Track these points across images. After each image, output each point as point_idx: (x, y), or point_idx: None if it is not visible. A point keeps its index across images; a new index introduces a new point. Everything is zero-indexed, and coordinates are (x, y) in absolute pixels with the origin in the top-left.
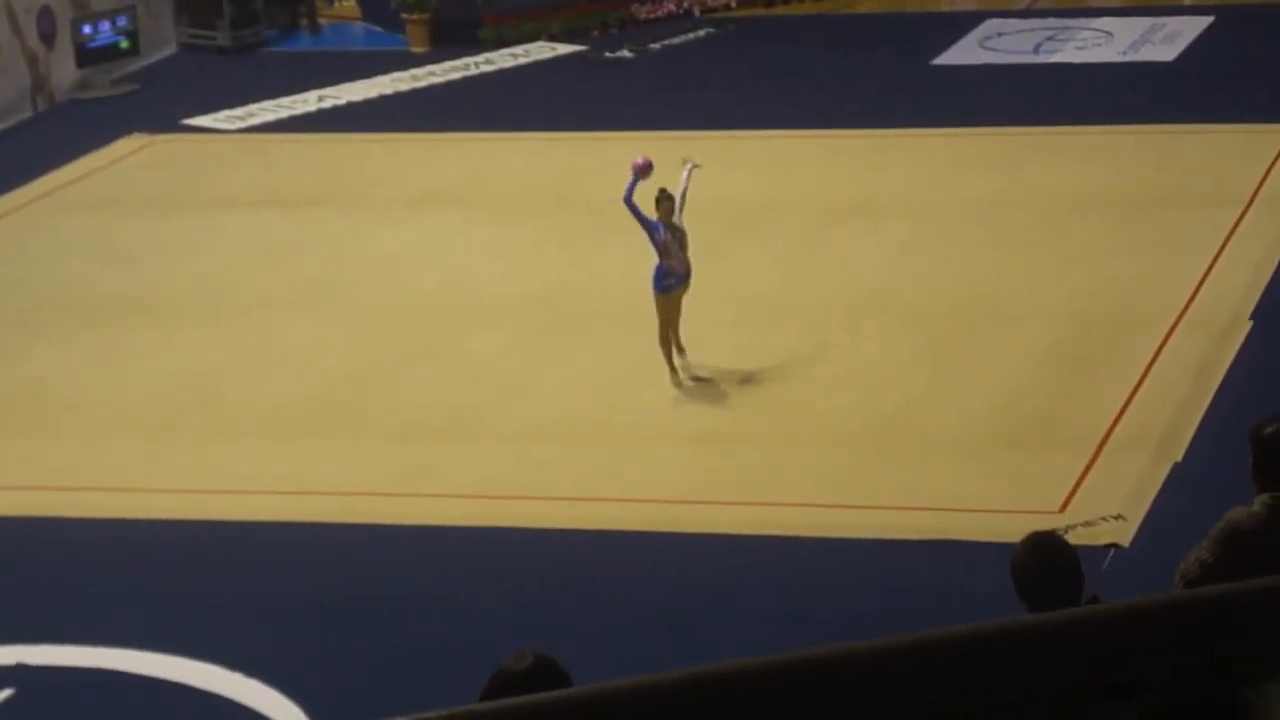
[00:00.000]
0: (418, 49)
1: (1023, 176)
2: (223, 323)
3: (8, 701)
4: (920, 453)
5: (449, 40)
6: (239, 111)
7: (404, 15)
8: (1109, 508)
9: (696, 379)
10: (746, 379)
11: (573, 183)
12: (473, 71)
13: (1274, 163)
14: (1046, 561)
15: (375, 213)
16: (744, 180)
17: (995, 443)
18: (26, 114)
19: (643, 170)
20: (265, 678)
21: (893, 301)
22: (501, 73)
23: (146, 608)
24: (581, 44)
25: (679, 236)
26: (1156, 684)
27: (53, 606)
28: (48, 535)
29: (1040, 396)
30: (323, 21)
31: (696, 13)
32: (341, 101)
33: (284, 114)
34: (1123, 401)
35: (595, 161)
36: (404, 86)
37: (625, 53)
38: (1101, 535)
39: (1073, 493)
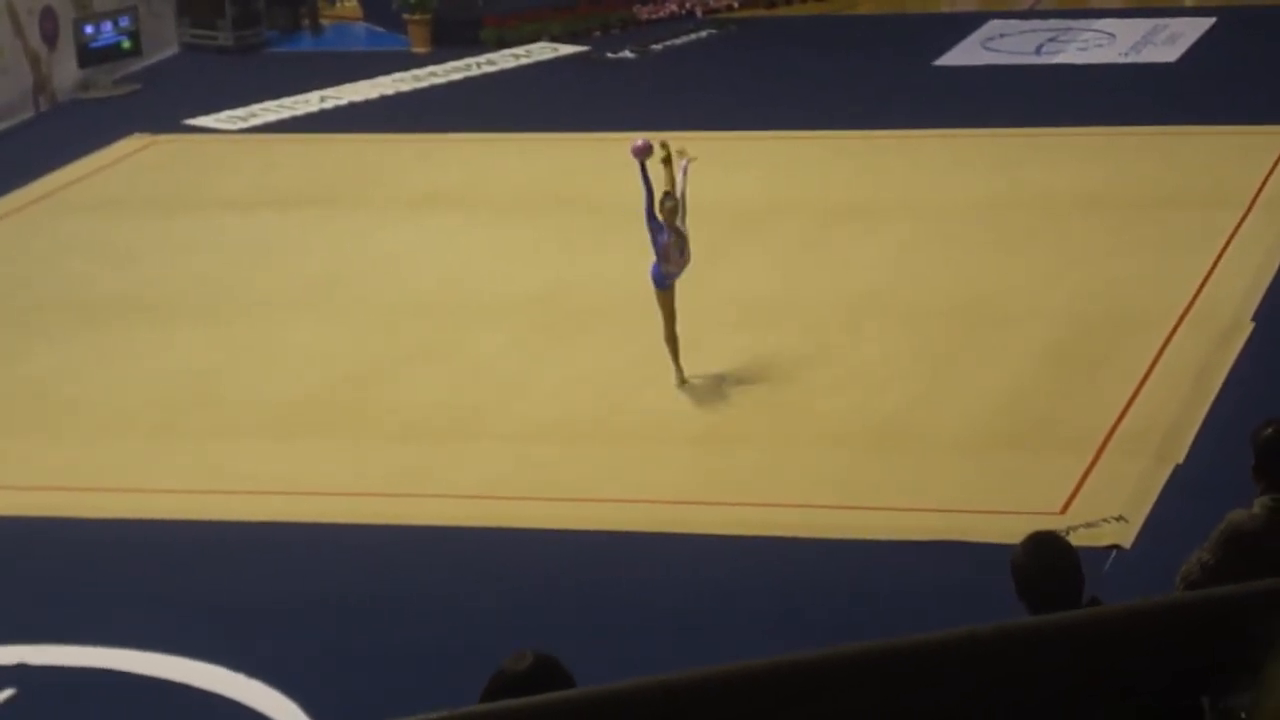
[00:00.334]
0: (419, 49)
1: (1024, 177)
2: (223, 322)
3: (9, 701)
4: (921, 454)
5: (450, 41)
6: (241, 112)
7: (405, 16)
8: (1110, 509)
9: (700, 379)
10: (747, 379)
11: (574, 183)
12: (474, 72)
13: (1276, 164)
14: (1047, 563)
15: (376, 212)
16: (745, 181)
17: (996, 444)
18: (28, 114)
19: (642, 151)
20: (267, 678)
21: (893, 302)
22: (503, 73)
23: (147, 608)
24: (583, 45)
25: (680, 242)
26: (1156, 686)
27: (54, 606)
28: (48, 535)
29: (1041, 398)
30: (324, 22)
31: (698, 14)
32: (343, 102)
33: (286, 114)
34: (1124, 403)
35: (596, 162)
36: (405, 87)
37: (627, 53)
38: (1103, 537)
39: (1074, 494)
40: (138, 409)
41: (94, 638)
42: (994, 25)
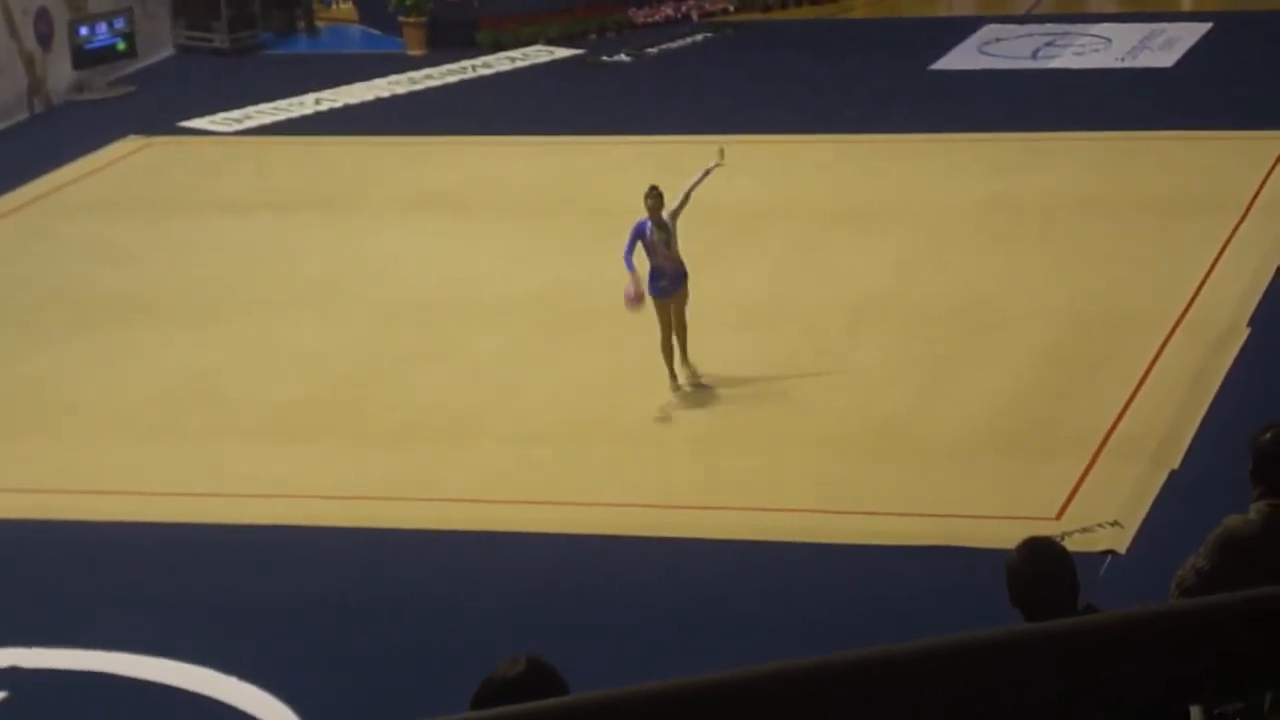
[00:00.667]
0: (415, 52)
1: (1020, 182)
2: (220, 324)
3: (2, 704)
4: (917, 458)
5: (446, 43)
6: (236, 114)
7: (401, 18)
8: (1106, 514)
9: (697, 386)
10: (745, 383)
11: (570, 186)
12: (470, 75)
13: (1272, 169)
14: (1042, 568)
15: (372, 215)
16: (742, 185)
17: (993, 448)
18: (23, 115)
19: (635, 301)
20: (261, 681)
21: (890, 306)
22: (499, 76)
23: (142, 610)
24: (579, 48)
25: (664, 236)
26: (1150, 694)
27: (48, 609)
28: (44, 537)
29: (1037, 402)
30: (320, 24)
31: (694, 17)
32: (338, 104)
33: (281, 116)
34: (1120, 407)
35: (592, 165)
36: (401, 89)
37: (622, 57)
38: (1098, 542)
39: (1070, 499)
40: (134, 411)
41: (88, 640)
42: (990, 29)
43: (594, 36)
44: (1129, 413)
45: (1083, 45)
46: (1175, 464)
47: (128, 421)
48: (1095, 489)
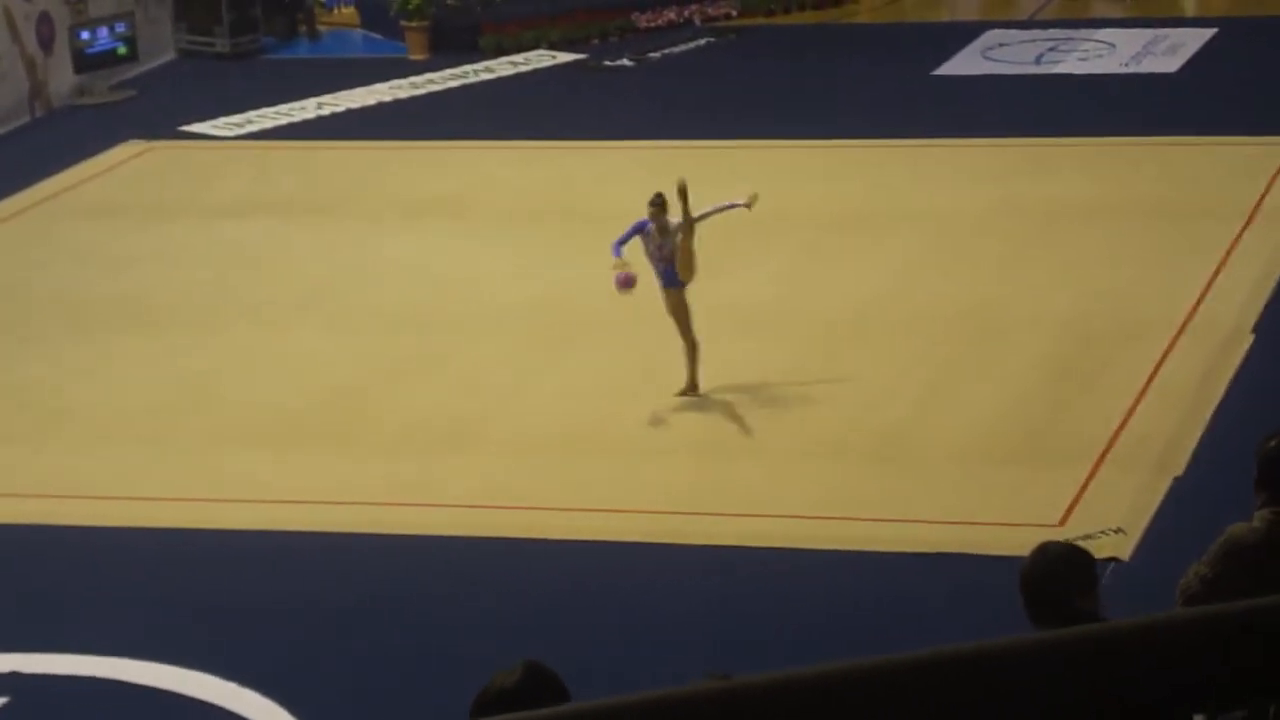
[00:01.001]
0: (417, 56)
1: (1024, 188)
2: (220, 329)
3: (2, 710)
4: (920, 465)
5: (448, 48)
6: (237, 118)
7: (403, 23)
8: (1109, 521)
9: (686, 395)
10: (747, 389)
11: (572, 192)
12: (472, 79)
13: (1277, 175)
14: (1047, 569)
15: (373, 220)
16: (743, 190)
17: (995, 455)
18: (24, 119)
19: (624, 284)
20: (260, 688)
21: (894, 312)
22: (501, 81)
23: (141, 616)
24: (581, 52)
25: (660, 240)
26: (1154, 703)
27: (47, 614)
28: (42, 543)
29: (1040, 408)
30: (322, 28)
31: (697, 22)
32: (340, 109)
33: (283, 121)
34: (1123, 414)
35: (595, 170)
36: (403, 94)
37: (625, 61)
38: (1101, 549)
39: (1073, 506)
40: (132, 416)
41: (88, 646)
42: (994, 35)
43: (596, 41)
44: (1132, 419)
45: (1086, 51)
46: (1179, 471)
47: (126, 426)
48: (1098, 496)
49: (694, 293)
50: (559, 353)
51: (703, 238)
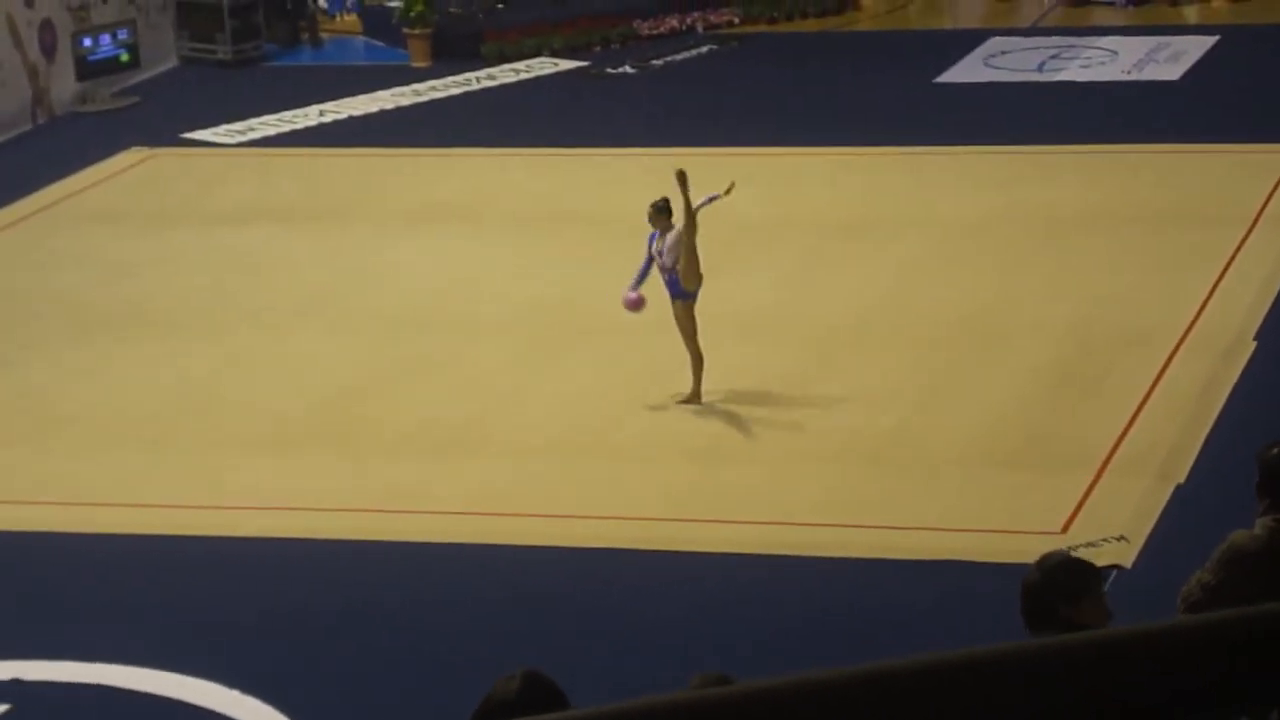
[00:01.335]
0: (419, 63)
1: (1026, 195)
2: (221, 335)
3: (4, 717)
4: (921, 472)
5: (450, 55)
6: (239, 125)
7: (405, 30)
8: (1111, 528)
9: (685, 403)
10: (746, 395)
11: (573, 198)
12: (474, 86)
13: (1278, 183)
14: (1044, 581)
15: (375, 227)
16: (746, 197)
17: (997, 462)
18: (27, 127)
19: (634, 305)
20: (262, 694)
21: (895, 319)
22: (503, 88)
23: (143, 623)
24: (583, 60)
25: (660, 246)
26: (1156, 710)
27: (49, 622)
28: (43, 550)
29: (1042, 416)
30: (324, 35)
31: (699, 29)
32: (342, 116)
33: (285, 128)
34: (1126, 422)
35: (596, 177)
36: (405, 101)
37: (627, 69)
38: (1103, 556)
39: (1075, 513)
40: (133, 422)
41: (90, 653)
42: (996, 42)
43: (598, 49)
44: (1135, 427)
45: (1089, 58)
46: (1181, 478)
47: (127, 432)
48: (1101, 503)
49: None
50: (559, 358)
51: (705, 244)
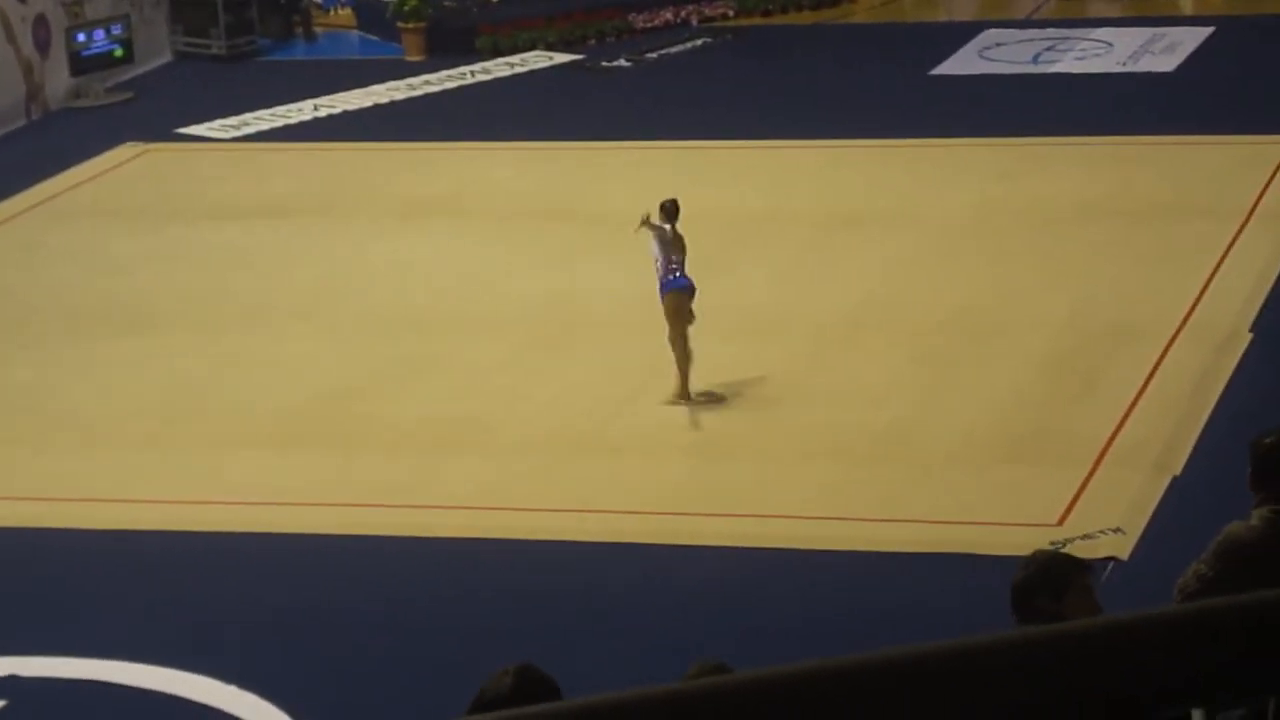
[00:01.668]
0: (414, 58)
1: (1022, 187)
2: (215, 332)
3: (1, 712)
4: (918, 465)
5: (445, 49)
6: (233, 120)
7: (400, 24)
8: (1108, 521)
9: (678, 403)
10: (743, 390)
11: (569, 193)
12: (469, 80)
13: (1274, 174)
14: (1028, 577)
15: (370, 222)
16: (741, 191)
17: (994, 455)
18: (21, 122)
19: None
20: (258, 690)
21: (891, 312)
22: (498, 82)
23: (139, 619)
24: (578, 53)
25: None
26: (1151, 698)
27: (45, 618)
28: (38, 546)
29: (1039, 409)
30: (318, 30)
31: (694, 22)
32: (337, 110)
33: (279, 123)
34: (1122, 414)
35: (591, 171)
36: (400, 95)
37: (622, 62)
38: (1100, 548)
39: (1071, 505)
40: (127, 419)
41: (86, 649)
42: (991, 34)
43: (593, 42)
44: (1131, 419)
45: (1084, 50)
46: (1177, 470)
47: (123, 429)
48: (1097, 495)
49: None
50: (556, 354)
51: (699, 239)
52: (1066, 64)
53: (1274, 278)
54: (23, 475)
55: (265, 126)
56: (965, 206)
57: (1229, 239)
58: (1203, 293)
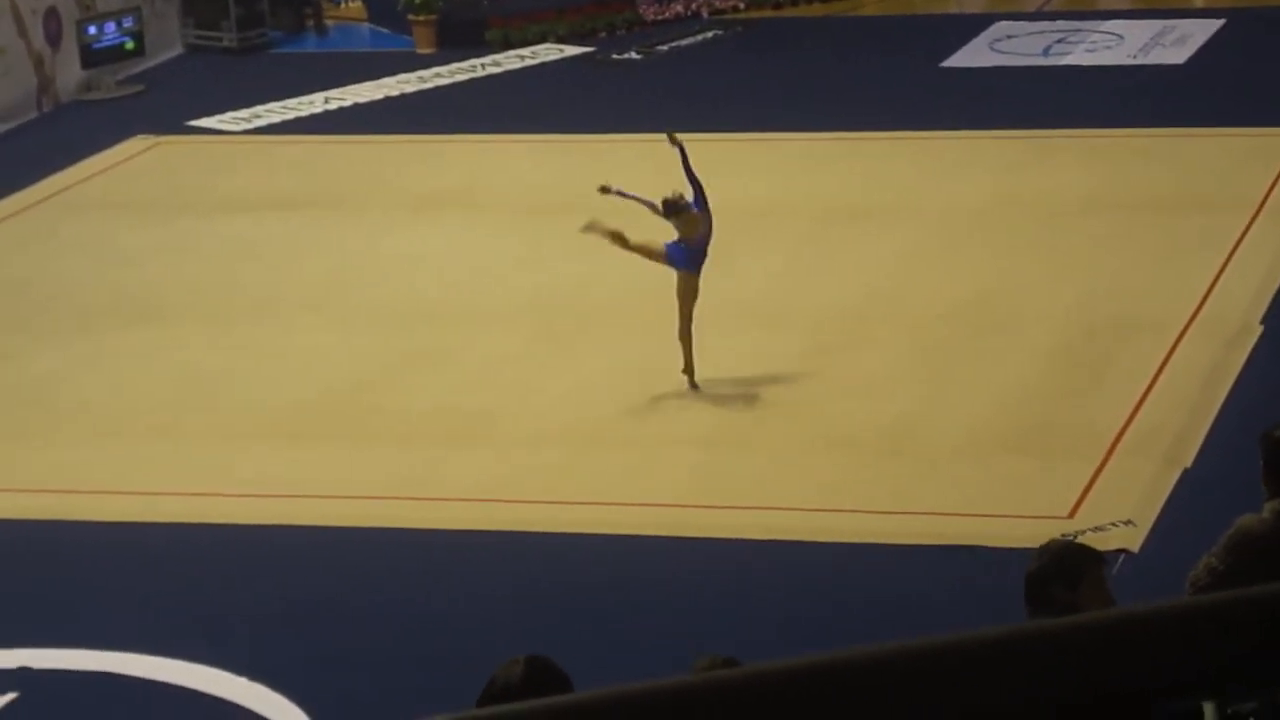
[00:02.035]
0: (424, 50)
1: (1031, 179)
2: (226, 325)
3: (11, 705)
4: (928, 458)
5: (455, 42)
6: (245, 113)
7: (410, 17)
8: (1119, 513)
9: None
10: (752, 383)
11: (580, 184)
12: (479, 73)
13: None
14: (1041, 567)
15: (381, 215)
16: (751, 182)
17: (1004, 448)
18: (32, 115)
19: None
20: (270, 682)
21: (900, 304)
22: (508, 74)
23: (150, 611)
24: (588, 46)
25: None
26: (1163, 691)
27: (56, 610)
28: (50, 538)
29: (1049, 401)
30: (329, 23)
31: (704, 15)
32: (348, 103)
33: (290, 115)
34: (1132, 406)
35: (602, 164)
36: (410, 88)
37: (632, 54)
38: (1111, 541)
39: (1082, 498)
40: (140, 411)
41: (96, 641)
42: (1001, 26)
43: (603, 34)
44: (1141, 411)
45: (1094, 42)
46: (1188, 462)
47: (134, 421)
48: (1108, 488)
49: (701, 283)
50: (567, 346)
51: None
52: (1077, 56)
53: None
54: (34, 468)
55: (276, 119)
56: (975, 198)
57: (1240, 231)
58: (1213, 285)
